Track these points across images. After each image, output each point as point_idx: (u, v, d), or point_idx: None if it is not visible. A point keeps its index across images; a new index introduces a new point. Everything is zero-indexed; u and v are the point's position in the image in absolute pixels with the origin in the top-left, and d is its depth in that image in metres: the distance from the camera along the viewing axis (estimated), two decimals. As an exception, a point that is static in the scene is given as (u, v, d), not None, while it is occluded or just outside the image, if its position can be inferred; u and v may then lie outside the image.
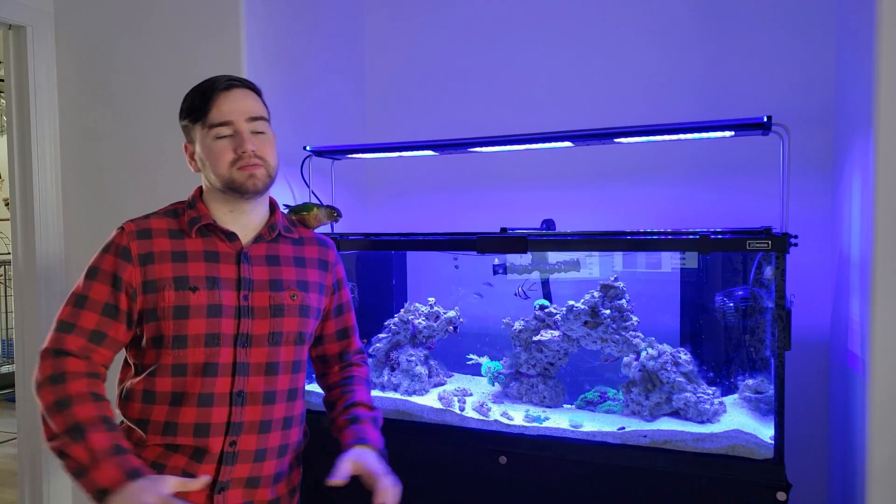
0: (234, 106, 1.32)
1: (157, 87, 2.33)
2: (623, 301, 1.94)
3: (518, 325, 2.08)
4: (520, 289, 2.19)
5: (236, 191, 1.34)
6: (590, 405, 1.99)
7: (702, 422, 1.78)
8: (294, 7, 2.45)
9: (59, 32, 2.46)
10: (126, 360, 1.38)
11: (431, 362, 2.22)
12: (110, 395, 1.29)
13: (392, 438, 1.97)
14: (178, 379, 1.29)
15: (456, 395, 2.05)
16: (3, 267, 5.66)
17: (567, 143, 2.03)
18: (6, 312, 5.66)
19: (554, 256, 2.13)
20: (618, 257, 2.09)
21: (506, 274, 2.19)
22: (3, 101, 4.87)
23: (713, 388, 1.86)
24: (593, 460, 1.75)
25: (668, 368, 1.83)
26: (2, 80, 4.22)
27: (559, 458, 1.78)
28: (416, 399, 2.07)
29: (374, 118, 2.89)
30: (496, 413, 1.95)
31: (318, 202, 2.04)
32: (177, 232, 1.34)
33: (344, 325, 1.54)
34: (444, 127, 2.72)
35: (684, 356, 1.87)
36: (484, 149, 2.20)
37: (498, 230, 1.99)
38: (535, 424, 1.87)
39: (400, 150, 2.27)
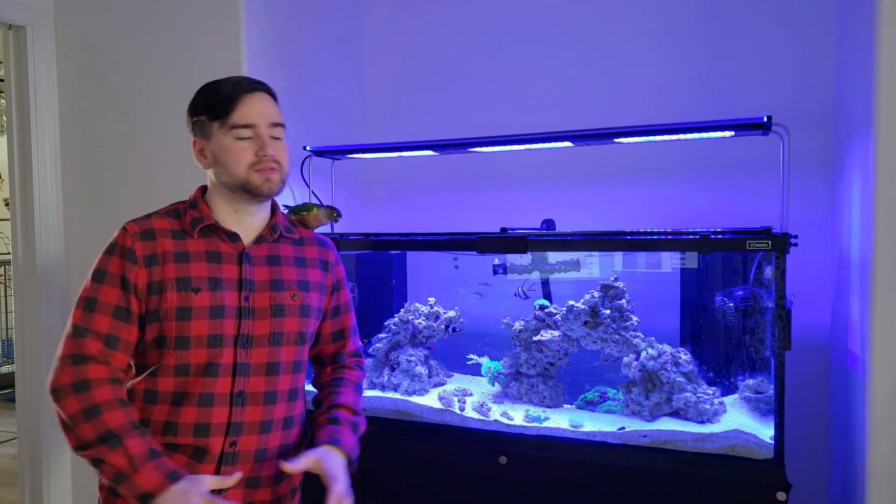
0: (258, 109, 1.33)
1: (157, 87, 2.33)
2: (623, 301, 1.94)
3: (518, 325, 2.08)
4: (520, 289, 2.19)
5: (251, 193, 1.34)
6: (590, 405, 1.99)
7: (702, 422, 1.78)
8: (294, 7, 2.45)
9: (59, 32, 2.46)
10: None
11: (431, 362, 2.22)
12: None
13: (392, 438, 1.99)
14: (179, 379, 1.29)
15: (456, 395, 2.05)
16: (3, 267, 5.66)
17: (567, 143, 2.03)
18: (6, 312, 5.66)
19: (554, 256, 2.13)
20: (618, 257, 2.09)
21: (506, 274, 2.19)
22: (3, 101, 4.87)
23: (713, 388, 1.86)
24: (593, 460, 1.75)
25: (668, 368, 1.83)
26: (2, 80, 4.22)
27: (559, 458, 1.78)
28: (416, 399, 2.07)
29: (374, 118, 2.89)
30: (496, 413, 1.95)
31: (318, 202, 2.04)
32: (179, 232, 1.34)
33: (340, 327, 1.54)
34: (444, 127, 2.72)
35: (684, 356, 1.87)
36: (484, 149, 2.20)
37: (498, 230, 1.99)
38: (535, 424, 1.87)
39: (400, 150, 2.27)
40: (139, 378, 1.32)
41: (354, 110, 2.85)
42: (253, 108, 1.33)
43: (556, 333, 2.00)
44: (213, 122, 1.33)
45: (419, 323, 2.21)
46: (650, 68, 2.43)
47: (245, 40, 2.19)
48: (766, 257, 1.71)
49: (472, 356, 2.24)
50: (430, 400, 2.06)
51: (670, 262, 2.04)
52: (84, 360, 1.24)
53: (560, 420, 1.89)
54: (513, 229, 2.00)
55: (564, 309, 1.99)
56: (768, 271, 1.70)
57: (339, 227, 2.29)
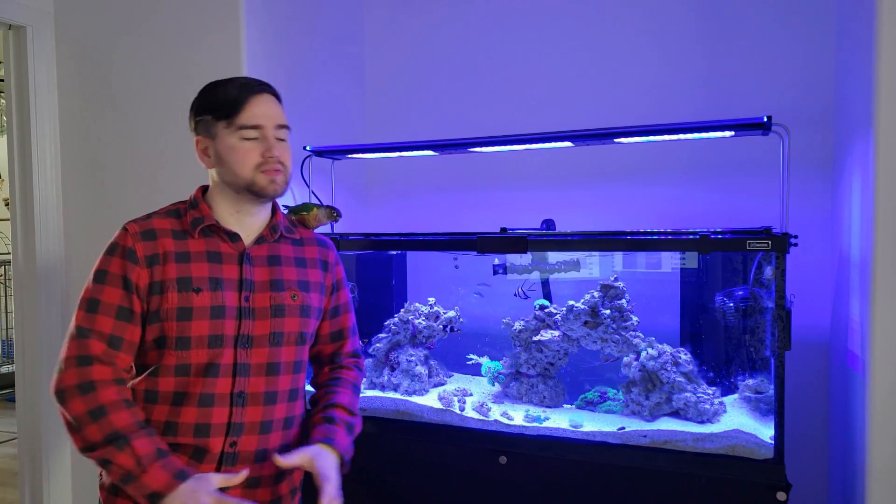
0: (265, 111, 1.34)
1: (157, 87, 2.33)
2: (623, 301, 1.94)
3: (518, 325, 2.08)
4: (520, 289, 2.19)
5: (255, 194, 1.35)
6: (590, 405, 1.99)
7: (702, 422, 1.78)
8: (294, 7, 2.45)
9: (59, 32, 2.46)
10: None
11: (431, 362, 2.22)
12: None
13: (392, 438, 1.98)
14: (180, 379, 1.29)
15: (456, 395, 2.05)
16: (3, 267, 5.66)
17: (567, 143, 2.03)
18: (6, 312, 5.66)
19: (554, 256, 2.13)
20: (618, 257, 2.09)
21: (506, 274, 2.19)
22: (3, 101, 4.87)
23: (713, 388, 1.86)
24: (593, 460, 1.75)
25: (668, 368, 1.83)
26: (2, 80, 4.22)
27: (559, 458, 1.78)
28: (416, 399, 2.07)
29: (374, 118, 2.89)
30: (496, 413, 1.95)
31: (318, 202, 2.04)
32: (180, 233, 1.34)
33: (339, 328, 1.53)
34: (444, 127, 2.72)
35: (684, 356, 1.87)
36: (484, 149, 2.20)
37: (498, 230, 1.99)
38: (535, 424, 1.87)
39: (400, 150, 2.27)
40: (139, 378, 1.32)
41: (354, 110, 2.85)
42: (260, 110, 1.33)
43: (556, 333, 2.00)
44: (218, 121, 1.33)
45: (419, 323, 2.21)
46: (650, 68, 2.43)
47: (245, 40, 2.19)
48: (766, 257, 1.71)
49: (472, 356, 2.24)
50: (430, 400, 2.06)
51: (670, 262, 2.04)
52: (89, 362, 1.24)
53: (560, 420, 1.89)
54: (513, 229, 2.00)
55: (564, 309, 1.99)
56: (768, 271, 1.70)
57: (339, 227, 2.29)
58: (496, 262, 2.19)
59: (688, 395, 1.81)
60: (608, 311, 1.93)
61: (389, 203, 2.87)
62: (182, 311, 1.28)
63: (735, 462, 1.66)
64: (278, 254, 1.41)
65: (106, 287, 1.28)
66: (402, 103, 2.83)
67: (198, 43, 2.26)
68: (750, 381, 1.88)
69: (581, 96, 2.53)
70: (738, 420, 1.77)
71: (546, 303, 2.11)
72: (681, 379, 1.83)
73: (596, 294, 1.97)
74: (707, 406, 1.79)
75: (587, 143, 2.13)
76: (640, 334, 1.93)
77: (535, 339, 2.01)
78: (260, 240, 1.40)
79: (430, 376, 2.17)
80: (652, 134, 1.87)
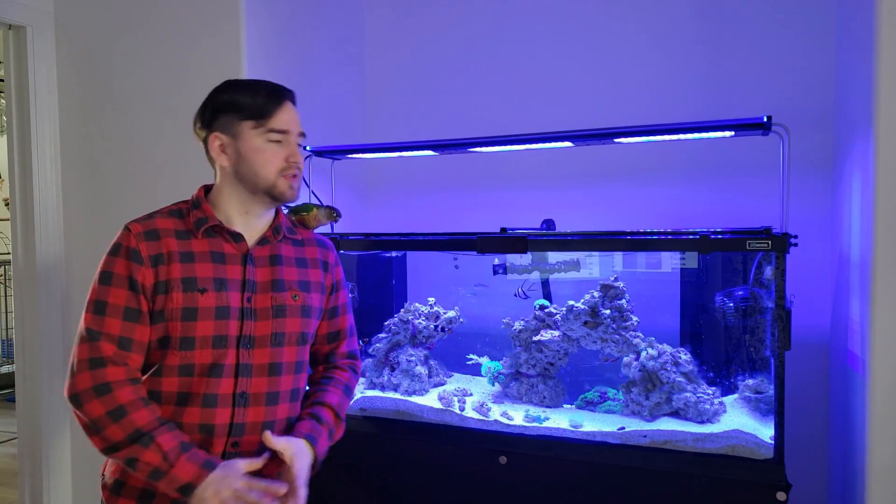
0: (292, 117, 1.38)
1: (157, 86, 2.33)
2: (623, 301, 1.94)
3: (518, 325, 2.08)
4: (520, 289, 2.19)
5: (273, 197, 1.37)
6: (590, 405, 1.99)
7: (702, 422, 1.78)
8: (294, 7, 2.45)
9: (59, 32, 2.47)
10: None
11: (431, 362, 2.22)
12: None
13: (392, 438, 1.98)
14: (183, 379, 1.29)
15: (456, 395, 2.05)
16: (3, 267, 5.66)
17: (567, 143, 2.03)
18: (6, 312, 5.66)
19: (554, 256, 2.13)
20: (618, 257, 2.09)
21: (506, 274, 2.19)
22: (3, 101, 4.87)
23: (713, 388, 1.86)
24: (593, 460, 1.75)
25: (668, 368, 1.83)
26: (2, 80, 4.22)
27: (559, 458, 1.78)
28: (416, 399, 2.07)
29: (375, 118, 2.89)
30: (496, 413, 1.95)
31: (318, 202, 2.04)
32: (183, 232, 1.34)
33: (337, 328, 1.53)
34: (444, 127, 2.72)
35: (684, 356, 1.87)
36: (484, 149, 2.20)
37: (498, 230, 1.99)
38: (535, 424, 1.87)
39: (400, 150, 2.27)
40: (142, 378, 1.32)
41: (354, 110, 2.85)
42: (289, 115, 1.37)
43: (556, 333, 2.00)
44: (243, 121, 1.34)
45: (419, 323, 2.21)
46: (650, 68, 2.43)
47: (245, 40, 2.19)
48: (766, 257, 1.71)
49: (472, 356, 2.24)
50: (430, 400, 2.06)
51: (670, 262, 2.04)
52: (102, 364, 1.24)
53: (560, 420, 1.89)
54: (513, 229, 2.00)
55: (564, 309, 1.99)
56: (768, 271, 1.70)
57: (339, 227, 2.29)
58: (496, 262, 2.19)
59: (688, 395, 1.81)
60: (608, 311, 1.93)
61: (389, 203, 2.87)
62: (187, 312, 1.28)
63: (735, 462, 1.66)
64: (279, 254, 1.41)
65: (112, 288, 1.28)
66: (402, 103, 2.83)
67: (198, 43, 2.26)
68: (750, 381, 1.88)
69: (581, 96, 2.53)
70: (738, 420, 1.77)
71: (546, 303, 2.11)
72: (681, 379, 1.83)
73: (596, 294, 1.97)
74: (707, 406, 1.79)
75: (587, 143, 2.13)
76: (640, 334, 1.93)
77: (535, 339, 2.01)
78: (263, 241, 1.40)
79: (430, 376, 2.17)
80: (652, 134, 1.87)
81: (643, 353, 1.88)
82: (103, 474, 1.36)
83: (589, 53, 2.52)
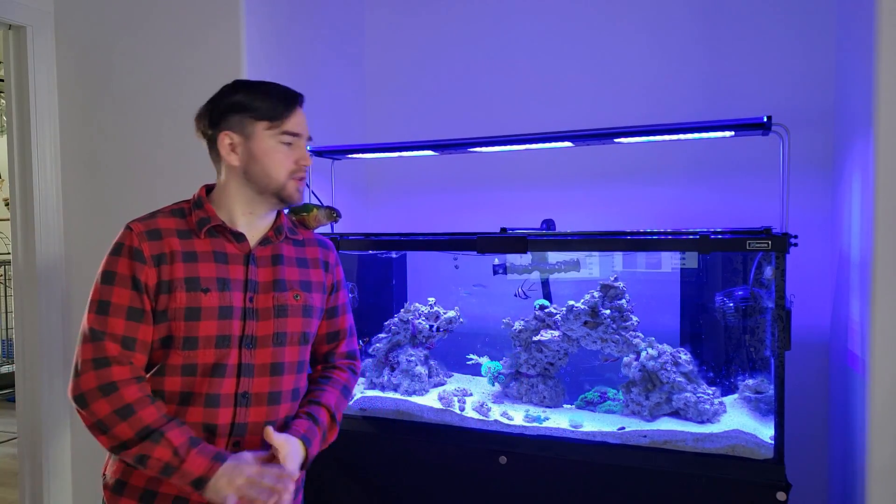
0: (304, 121, 1.40)
1: (158, 87, 2.33)
2: (623, 301, 1.94)
3: (518, 325, 2.08)
4: (520, 289, 2.19)
5: (281, 199, 1.38)
6: (590, 405, 1.99)
7: (702, 422, 1.78)
8: (294, 6, 2.45)
9: (59, 32, 2.46)
10: None
11: (431, 362, 2.22)
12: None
13: (392, 438, 1.98)
14: (186, 379, 1.29)
15: (456, 395, 2.05)
16: (3, 267, 5.66)
17: (567, 143, 2.03)
18: (6, 312, 5.66)
19: (554, 256, 2.13)
20: (618, 257, 2.09)
21: (506, 274, 2.19)
22: (3, 101, 4.87)
23: (713, 388, 1.86)
24: (593, 460, 1.75)
25: (668, 368, 1.83)
26: (2, 80, 4.22)
27: (559, 458, 1.78)
28: (416, 399, 2.07)
29: (374, 118, 2.89)
30: (496, 413, 1.95)
31: (318, 202, 2.04)
32: (185, 232, 1.34)
33: (336, 328, 1.53)
34: (444, 127, 2.72)
35: (684, 356, 1.87)
36: (484, 149, 2.20)
37: (498, 230, 1.99)
38: (535, 424, 1.87)
39: (400, 150, 2.27)
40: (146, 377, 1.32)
41: (354, 110, 2.85)
42: (301, 118, 1.39)
43: (556, 333, 2.00)
44: (258, 121, 1.34)
45: (419, 323, 2.21)
46: (650, 68, 2.43)
47: (245, 40, 2.19)
48: (766, 257, 1.71)
49: (472, 356, 2.25)
50: (430, 400, 2.06)
51: (670, 262, 2.04)
52: (107, 363, 1.24)
53: (560, 420, 1.89)
54: (513, 229, 2.00)
55: (564, 309, 1.99)
56: (768, 271, 1.70)
57: (339, 227, 2.29)
58: (496, 262, 2.19)
59: (688, 395, 1.81)
60: (608, 311, 1.93)
61: (389, 203, 2.87)
62: (190, 311, 1.28)
63: (735, 462, 1.66)
64: (281, 254, 1.42)
65: (115, 288, 1.28)
66: (402, 103, 2.83)
67: (198, 43, 2.26)
68: (750, 381, 1.88)
69: (581, 96, 2.53)
70: (738, 420, 1.77)
71: (546, 303, 2.11)
72: (681, 379, 1.83)
73: (596, 294, 1.97)
74: (707, 406, 1.79)
75: (587, 143, 2.13)
76: (640, 334, 1.93)
77: (535, 339, 2.01)
78: (264, 241, 1.40)
79: (430, 376, 2.17)
80: (652, 134, 1.87)
81: (643, 353, 1.88)
82: (104, 474, 1.36)
83: (589, 53, 2.52)
